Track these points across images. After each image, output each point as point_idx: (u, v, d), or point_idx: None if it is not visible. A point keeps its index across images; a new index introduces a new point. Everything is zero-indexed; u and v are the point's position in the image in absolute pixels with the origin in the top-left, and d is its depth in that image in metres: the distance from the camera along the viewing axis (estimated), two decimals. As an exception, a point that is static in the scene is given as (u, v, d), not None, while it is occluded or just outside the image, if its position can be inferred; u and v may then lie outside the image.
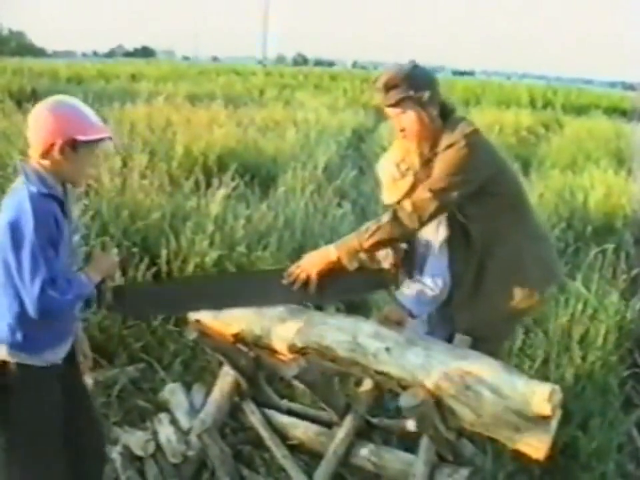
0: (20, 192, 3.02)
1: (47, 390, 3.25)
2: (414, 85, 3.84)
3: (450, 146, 3.82)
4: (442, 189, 3.77)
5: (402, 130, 3.95)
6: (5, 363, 3.12)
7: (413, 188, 3.97)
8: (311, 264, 3.96)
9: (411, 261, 4.19)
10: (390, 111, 3.95)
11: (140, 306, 3.95)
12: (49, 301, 2.97)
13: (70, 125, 3.06)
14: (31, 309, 2.97)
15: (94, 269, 3.30)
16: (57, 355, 3.29)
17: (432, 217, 3.84)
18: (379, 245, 3.91)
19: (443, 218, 3.99)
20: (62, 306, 3.07)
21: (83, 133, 3.07)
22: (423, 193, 3.79)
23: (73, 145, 3.06)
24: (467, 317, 4.03)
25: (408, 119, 3.89)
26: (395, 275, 4.16)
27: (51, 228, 3.03)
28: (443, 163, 3.83)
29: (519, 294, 4.04)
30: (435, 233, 4.05)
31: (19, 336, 3.10)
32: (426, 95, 3.87)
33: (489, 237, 3.98)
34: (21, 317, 3.07)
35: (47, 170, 3.07)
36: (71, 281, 3.11)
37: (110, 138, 3.25)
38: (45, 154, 3.05)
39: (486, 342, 3.88)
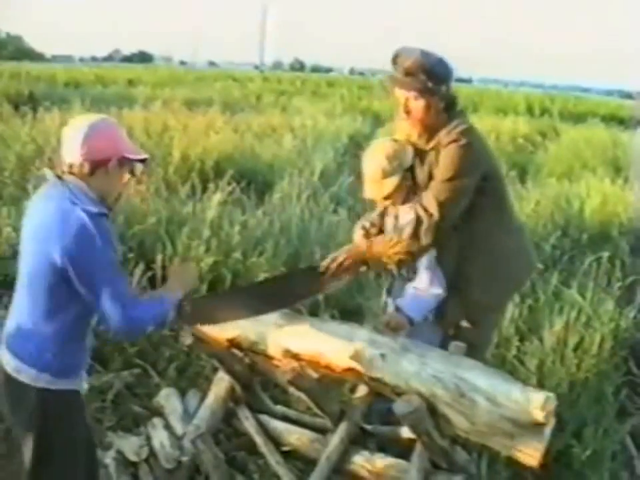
0: (73, 215, 2.94)
1: (79, 414, 3.29)
2: (434, 77, 3.87)
3: (449, 144, 3.89)
4: (449, 199, 3.87)
5: (407, 112, 3.98)
6: (44, 390, 3.09)
7: (397, 189, 4.00)
8: (347, 254, 4.07)
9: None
10: (400, 91, 3.96)
11: (214, 314, 3.91)
12: (134, 320, 3.05)
13: (121, 143, 3.14)
14: (118, 332, 3.05)
15: (175, 286, 3.39)
16: (83, 378, 3.31)
17: (445, 230, 3.93)
18: (400, 255, 3.99)
19: None
20: (147, 323, 3.15)
21: (131, 152, 3.16)
22: (432, 207, 3.86)
23: (122, 163, 3.12)
24: (455, 310, 4.14)
25: (418, 105, 3.92)
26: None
27: (115, 246, 3.09)
28: (444, 167, 3.90)
29: (502, 285, 4.22)
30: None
31: (61, 363, 3.10)
32: (442, 89, 3.92)
33: (475, 231, 4.06)
34: (66, 344, 3.08)
35: (89, 187, 3.05)
36: (153, 298, 3.25)
37: (146, 160, 3.32)
38: (95, 169, 3.05)
39: (474, 334, 4.09)
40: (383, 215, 4.32)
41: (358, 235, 4.28)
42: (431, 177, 3.99)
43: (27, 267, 3.08)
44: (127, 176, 3.24)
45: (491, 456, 4.16)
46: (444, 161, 3.90)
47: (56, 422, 3.14)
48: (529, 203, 9.75)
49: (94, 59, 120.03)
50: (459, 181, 3.86)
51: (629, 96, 62.45)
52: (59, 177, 3.08)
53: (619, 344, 5.80)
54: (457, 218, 3.95)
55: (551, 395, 3.12)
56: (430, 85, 3.86)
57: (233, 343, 3.95)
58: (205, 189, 8.24)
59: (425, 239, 3.89)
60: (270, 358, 3.84)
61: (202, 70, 62.77)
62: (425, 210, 3.86)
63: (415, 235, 3.88)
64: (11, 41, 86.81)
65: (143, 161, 3.27)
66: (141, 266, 5.84)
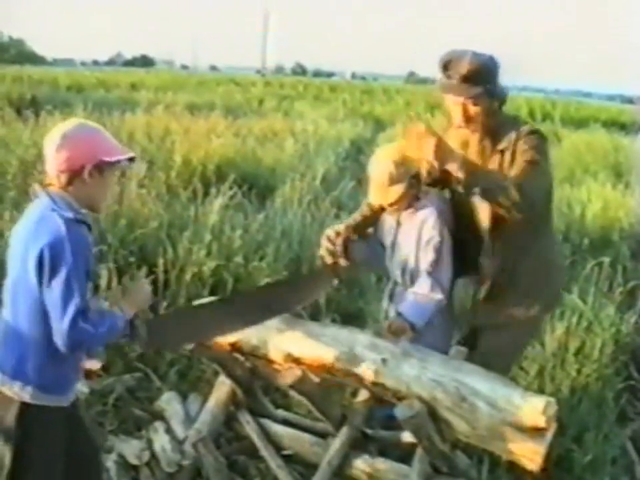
0: (50, 219, 2.91)
1: (59, 430, 3.15)
2: (491, 78, 3.81)
3: (528, 135, 3.84)
4: (532, 182, 3.68)
5: (467, 120, 3.88)
6: (27, 405, 3.01)
7: (403, 196, 3.99)
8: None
9: (404, 270, 4.20)
10: (455, 98, 3.84)
11: (174, 336, 3.76)
12: (81, 333, 2.87)
13: (97, 147, 3.00)
14: (61, 342, 2.87)
15: (128, 302, 3.19)
16: (73, 393, 3.22)
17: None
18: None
19: (433, 222, 4.01)
20: (94, 340, 2.98)
21: (110, 155, 3.03)
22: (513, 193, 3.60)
23: (100, 168, 3.00)
24: (493, 313, 4.06)
25: (478, 111, 3.84)
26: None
27: (87, 255, 2.97)
28: (528, 152, 3.77)
29: (546, 294, 4.13)
30: (417, 239, 4.07)
31: (45, 377, 3.01)
32: (497, 89, 3.87)
33: (528, 237, 3.96)
34: (49, 357, 2.97)
35: (72, 196, 2.99)
36: (104, 314, 3.04)
37: (133, 158, 3.19)
38: (72, 178, 2.97)
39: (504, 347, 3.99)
40: (362, 221, 4.36)
41: (323, 247, 4.26)
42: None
43: (11, 274, 3.03)
44: (112, 180, 3.16)
45: (492, 460, 4.16)
46: (526, 148, 3.80)
47: (34, 437, 3.07)
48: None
49: (95, 62, 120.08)
50: (542, 167, 3.79)
51: (630, 101, 62.40)
52: (45, 188, 3.02)
53: (620, 349, 5.81)
54: (536, 207, 3.79)
55: (552, 399, 3.13)
56: (489, 86, 3.79)
57: (235, 347, 3.96)
58: (206, 193, 8.24)
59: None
60: (271, 362, 3.85)
61: (204, 74, 62.71)
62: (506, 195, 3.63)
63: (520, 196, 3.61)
64: (13, 45, 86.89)
65: (130, 159, 3.15)
66: (143, 270, 5.85)
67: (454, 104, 3.87)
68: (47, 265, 2.85)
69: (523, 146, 3.80)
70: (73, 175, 2.97)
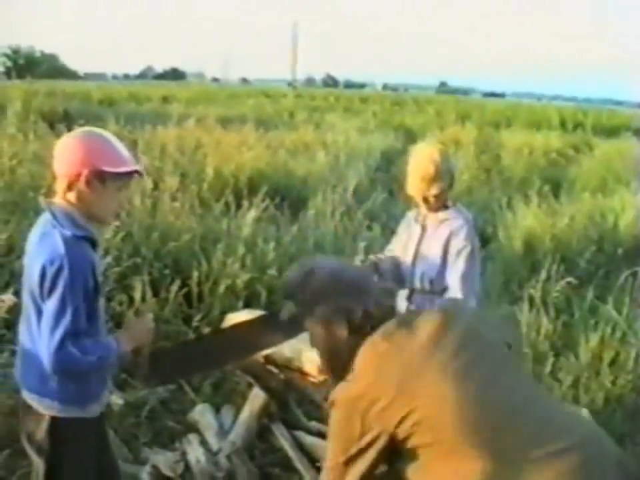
0: (51, 237, 2.87)
1: (90, 441, 3.17)
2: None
3: None
4: None
5: None
6: (57, 418, 3.01)
7: (442, 194, 4.03)
8: None
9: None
10: None
11: (177, 369, 3.72)
12: (67, 357, 2.80)
13: (98, 155, 2.93)
14: (47, 362, 2.80)
15: (126, 336, 3.10)
16: (101, 405, 3.20)
17: None
18: None
19: (465, 234, 4.03)
20: (81, 366, 2.88)
21: (111, 165, 2.94)
22: None
23: (101, 177, 2.93)
24: None
25: None
26: None
27: (87, 275, 2.89)
28: None
29: None
30: (444, 249, 4.09)
31: (71, 392, 3.00)
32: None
33: None
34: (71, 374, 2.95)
35: (74, 207, 2.95)
36: (98, 342, 2.96)
37: (140, 173, 3.11)
38: (71, 185, 2.93)
39: None
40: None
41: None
42: None
43: (23, 296, 3.01)
44: (117, 192, 3.04)
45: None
46: None
47: (67, 450, 3.08)
48: (562, 217, 9.71)
49: (127, 76, 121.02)
50: None
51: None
52: (49, 202, 3.00)
53: (654, 359, 5.76)
54: None
55: (585, 410, 3.12)
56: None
57: (269, 359, 3.97)
58: (238, 206, 8.28)
59: None
60: (305, 374, 3.85)
61: (234, 87, 63.00)
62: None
63: None
64: (45, 60, 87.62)
65: (138, 173, 3.09)
66: (177, 282, 5.88)
67: None
68: (45, 283, 2.81)
69: None
70: (71, 180, 2.94)
